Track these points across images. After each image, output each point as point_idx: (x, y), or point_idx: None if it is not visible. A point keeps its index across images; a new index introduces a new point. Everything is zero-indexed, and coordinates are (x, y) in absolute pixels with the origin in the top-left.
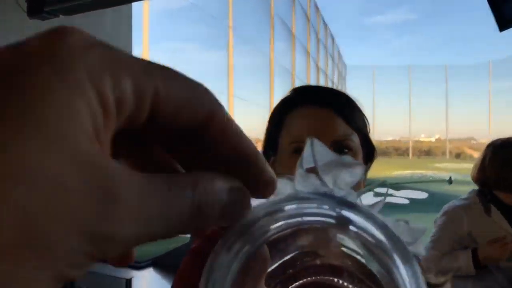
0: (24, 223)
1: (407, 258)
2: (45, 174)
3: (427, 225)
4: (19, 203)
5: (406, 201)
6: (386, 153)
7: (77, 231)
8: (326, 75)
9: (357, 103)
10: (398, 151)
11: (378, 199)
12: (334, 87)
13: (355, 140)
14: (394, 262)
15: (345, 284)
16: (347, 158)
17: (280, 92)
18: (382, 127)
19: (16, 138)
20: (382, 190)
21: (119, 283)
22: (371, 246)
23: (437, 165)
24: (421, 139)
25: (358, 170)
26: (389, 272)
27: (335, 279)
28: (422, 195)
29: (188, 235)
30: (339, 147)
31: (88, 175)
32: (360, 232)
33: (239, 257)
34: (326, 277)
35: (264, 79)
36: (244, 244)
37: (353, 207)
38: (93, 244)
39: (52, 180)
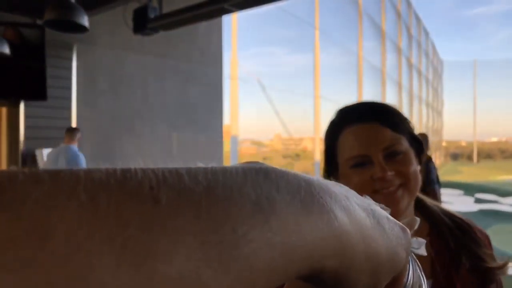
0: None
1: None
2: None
3: None
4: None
5: None
6: (490, 155)
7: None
8: (419, 72)
9: (396, 108)
10: (505, 153)
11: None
12: (429, 85)
13: (404, 143)
14: None
15: None
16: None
17: (370, 91)
18: (484, 127)
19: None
20: (484, 196)
21: None
22: None
23: None
24: None
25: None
26: None
27: None
28: None
29: None
30: (391, 152)
31: None
32: None
33: None
34: None
35: (352, 79)
36: None
37: None
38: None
39: None
